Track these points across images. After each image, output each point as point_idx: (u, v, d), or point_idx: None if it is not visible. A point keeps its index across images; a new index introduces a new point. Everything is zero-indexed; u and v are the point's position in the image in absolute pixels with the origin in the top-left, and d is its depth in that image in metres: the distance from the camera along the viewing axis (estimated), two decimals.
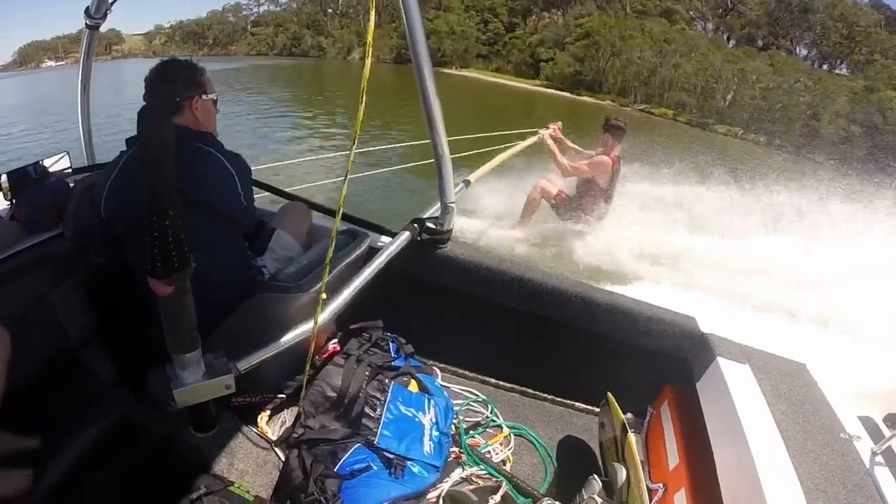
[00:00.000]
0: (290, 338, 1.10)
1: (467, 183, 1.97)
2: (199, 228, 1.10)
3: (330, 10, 55.07)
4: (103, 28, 1.68)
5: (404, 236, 1.52)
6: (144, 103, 1.12)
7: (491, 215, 4.63)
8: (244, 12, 60.62)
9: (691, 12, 39.43)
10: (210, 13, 60.71)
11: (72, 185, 1.54)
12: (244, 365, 1.02)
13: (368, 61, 0.73)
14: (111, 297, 1.39)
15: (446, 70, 43.13)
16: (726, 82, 29.00)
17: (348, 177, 0.85)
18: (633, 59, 31.87)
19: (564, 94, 33.22)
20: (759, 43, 37.28)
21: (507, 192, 4.79)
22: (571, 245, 4.24)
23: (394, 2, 1.04)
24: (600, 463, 1.48)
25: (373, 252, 1.46)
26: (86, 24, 1.61)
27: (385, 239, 1.63)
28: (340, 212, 0.92)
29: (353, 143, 0.81)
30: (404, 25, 1.09)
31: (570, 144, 4.42)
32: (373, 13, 0.71)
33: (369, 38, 0.73)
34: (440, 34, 45.30)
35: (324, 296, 1.04)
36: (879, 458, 1.08)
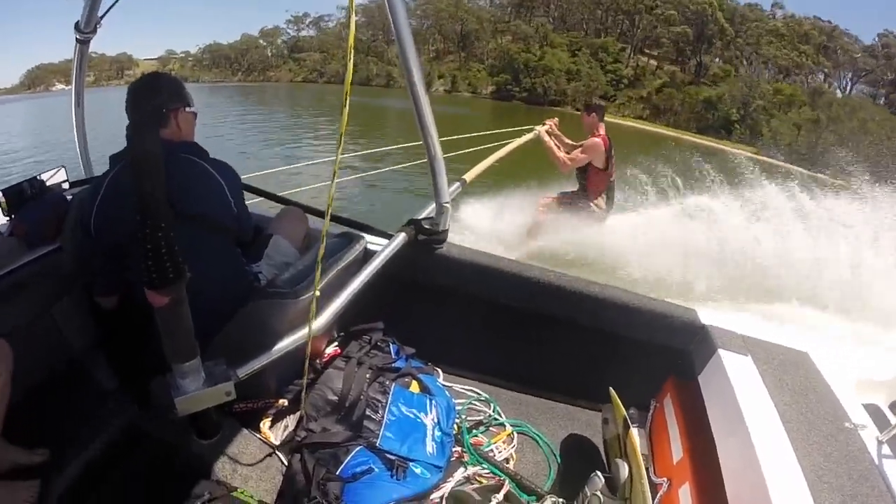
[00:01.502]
0: (287, 343, 1.11)
1: (463, 182, 1.97)
2: (190, 238, 1.11)
3: (385, 37, 50.28)
4: (94, 44, 1.70)
5: (400, 238, 1.53)
6: (128, 115, 1.14)
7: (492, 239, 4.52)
8: (282, 37, 57.81)
9: (825, 70, 39.05)
10: (243, 36, 58.14)
11: (69, 198, 1.57)
12: (244, 371, 1.03)
13: (349, 76, 0.75)
14: (112, 308, 1.41)
15: (570, 111, 36.90)
16: None
17: (335, 180, 0.86)
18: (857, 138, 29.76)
19: (792, 166, 24.53)
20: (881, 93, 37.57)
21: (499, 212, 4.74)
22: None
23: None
24: (604, 459, 1.47)
25: (369, 254, 1.46)
26: (76, 38, 1.64)
27: (382, 241, 1.63)
28: (329, 213, 0.93)
29: (339, 146, 0.82)
30: (391, 24, 1.08)
31: (567, 140, 4.43)
32: (352, 24, 0.73)
33: (351, 40, 0.75)
34: (555, 73, 41.83)
35: (317, 293, 1.04)
36: (886, 448, 1.06)
